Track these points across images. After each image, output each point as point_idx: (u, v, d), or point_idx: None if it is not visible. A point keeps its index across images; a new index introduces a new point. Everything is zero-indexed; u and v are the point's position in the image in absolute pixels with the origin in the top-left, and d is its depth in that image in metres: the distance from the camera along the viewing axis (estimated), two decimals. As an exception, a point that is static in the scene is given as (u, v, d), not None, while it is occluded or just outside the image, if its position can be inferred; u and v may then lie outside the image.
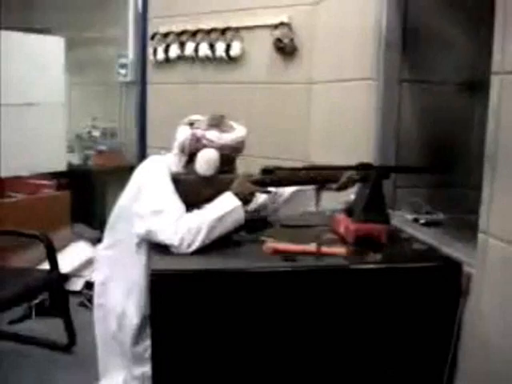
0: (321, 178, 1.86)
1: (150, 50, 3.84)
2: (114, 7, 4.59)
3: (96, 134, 4.59)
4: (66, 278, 3.16)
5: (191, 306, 1.56)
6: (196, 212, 1.73)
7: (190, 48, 3.54)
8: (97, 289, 2.02)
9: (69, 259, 3.60)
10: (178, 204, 1.74)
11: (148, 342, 1.71)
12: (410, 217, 2.16)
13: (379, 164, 2.16)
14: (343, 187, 1.85)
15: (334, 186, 1.85)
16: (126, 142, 4.68)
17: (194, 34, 3.53)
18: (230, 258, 1.67)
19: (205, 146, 1.80)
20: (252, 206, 1.93)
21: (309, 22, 3.02)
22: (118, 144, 4.69)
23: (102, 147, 4.56)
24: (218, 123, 1.85)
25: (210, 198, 1.77)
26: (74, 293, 3.47)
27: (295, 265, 1.61)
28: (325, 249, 1.67)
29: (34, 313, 3.22)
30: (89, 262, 3.54)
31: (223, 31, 3.38)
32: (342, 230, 1.86)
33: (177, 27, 3.60)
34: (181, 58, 3.62)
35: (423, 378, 1.70)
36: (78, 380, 2.52)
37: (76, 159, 4.54)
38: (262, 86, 3.29)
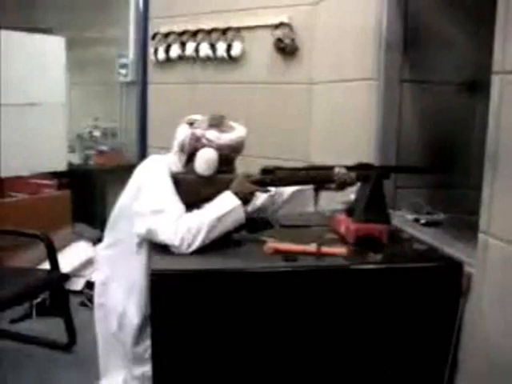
0: (321, 177, 1.86)
1: (150, 50, 3.84)
2: (114, 7, 4.60)
3: (97, 133, 4.60)
4: (67, 277, 3.16)
5: (192, 306, 1.56)
6: (196, 212, 1.72)
7: (190, 48, 3.55)
8: (97, 288, 2.02)
9: (69, 259, 3.61)
10: (178, 204, 1.74)
11: (148, 342, 1.70)
12: (410, 217, 2.17)
13: (380, 164, 2.17)
14: (342, 186, 1.84)
15: (334, 185, 1.84)
16: (126, 141, 4.69)
17: (194, 34, 3.54)
18: (230, 257, 1.67)
19: (204, 146, 1.80)
20: (251, 207, 1.93)
21: (309, 22, 3.03)
22: (119, 144, 4.70)
23: (103, 147, 4.57)
24: (217, 123, 1.85)
25: (209, 198, 1.77)
26: (75, 292, 3.47)
27: (296, 265, 1.61)
28: (325, 249, 1.67)
29: (34, 312, 3.22)
30: (89, 262, 3.54)
31: (224, 31, 3.39)
32: (342, 229, 1.86)
33: (178, 27, 3.61)
34: (181, 57, 3.63)
35: (424, 378, 1.70)
36: (79, 379, 2.53)
37: (76, 159, 4.55)
38: (263, 86, 3.29)
